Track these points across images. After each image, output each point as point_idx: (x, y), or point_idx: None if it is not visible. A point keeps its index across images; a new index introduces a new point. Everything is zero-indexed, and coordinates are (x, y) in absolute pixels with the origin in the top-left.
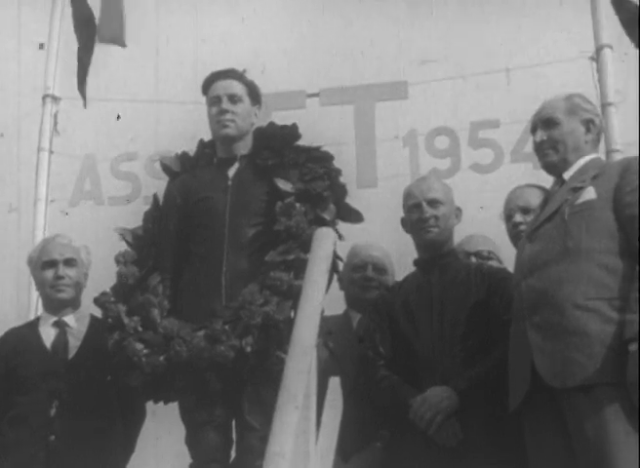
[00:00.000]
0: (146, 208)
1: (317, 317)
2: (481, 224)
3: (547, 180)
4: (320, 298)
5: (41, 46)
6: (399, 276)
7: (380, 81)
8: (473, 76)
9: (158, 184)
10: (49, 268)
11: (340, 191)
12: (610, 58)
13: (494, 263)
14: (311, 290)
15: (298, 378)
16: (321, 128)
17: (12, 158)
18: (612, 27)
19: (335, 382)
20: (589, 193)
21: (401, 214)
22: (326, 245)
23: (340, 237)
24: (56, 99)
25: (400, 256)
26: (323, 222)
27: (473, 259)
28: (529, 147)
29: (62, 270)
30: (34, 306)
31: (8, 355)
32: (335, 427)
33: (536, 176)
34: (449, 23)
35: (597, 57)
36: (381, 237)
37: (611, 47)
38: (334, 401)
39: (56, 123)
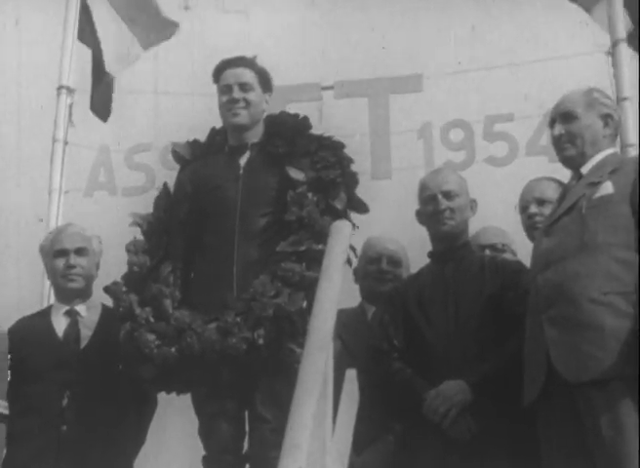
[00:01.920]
0: None
1: (334, 310)
2: (495, 217)
3: (562, 174)
4: (336, 292)
5: None
6: (412, 268)
7: (395, 74)
8: (488, 69)
9: (172, 175)
10: (60, 257)
11: (352, 180)
12: (626, 53)
13: (508, 256)
14: (328, 283)
15: (315, 371)
16: (335, 120)
17: (26, 149)
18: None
19: (352, 374)
20: (607, 188)
21: (415, 206)
22: (343, 238)
23: (354, 226)
24: (70, 91)
25: (414, 248)
26: (335, 212)
27: (487, 252)
28: (544, 141)
29: (74, 259)
30: (47, 296)
31: (20, 344)
32: (351, 419)
33: (550, 170)
34: (464, 17)
35: (613, 51)
36: (395, 229)
37: (627, 41)
38: (351, 393)
39: (70, 114)
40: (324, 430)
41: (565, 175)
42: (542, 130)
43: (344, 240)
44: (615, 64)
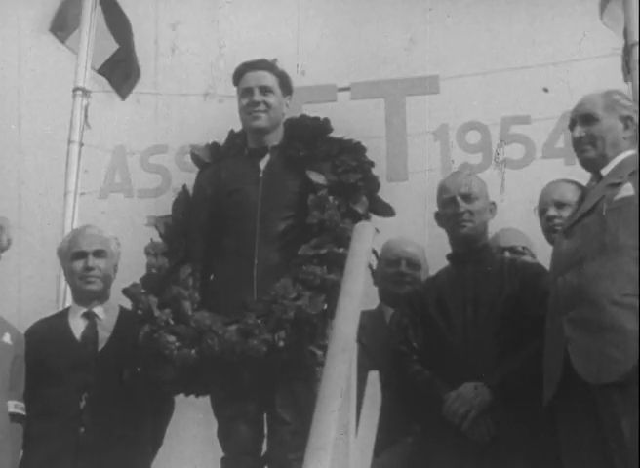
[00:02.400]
0: None
1: (357, 311)
2: (512, 219)
3: (579, 176)
4: (360, 292)
5: None
6: (431, 270)
7: (412, 75)
8: (505, 71)
9: (188, 177)
10: (78, 259)
11: (373, 184)
12: None
13: (527, 258)
14: (351, 284)
15: (338, 373)
16: (352, 122)
17: (42, 150)
18: None
19: (374, 377)
20: (627, 189)
21: (432, 208)
22: (365, 239)
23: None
24: (86, 92)
25: (430, 251)
26: (356, 215)
27: (507, 254)
28: (560, 143)
29: (92, 261)
30: (62, 298)
31: (37, 346)
32: (373, 421)
33: (567, 172)
34: (481, 18)
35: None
36: (411, 231)
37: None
38: (373, 395)
39: (86, 116)
40: (348, 432)
41: (581, 177)
42: (559, 132)
43: (367, 242)
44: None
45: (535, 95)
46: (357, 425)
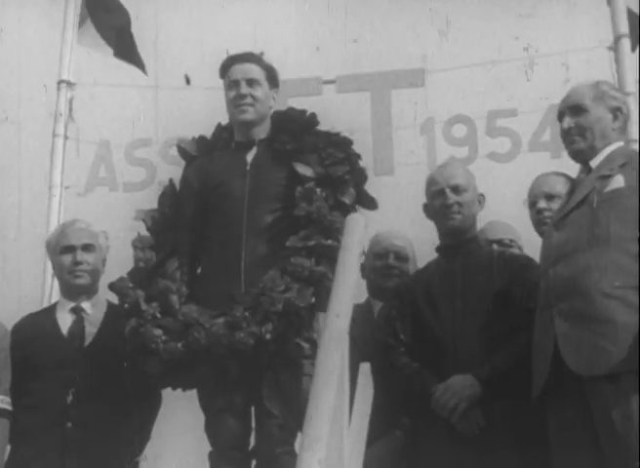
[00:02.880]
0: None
1: (350, 302)
2: (498, 213)
3: (566, 169)
4: (353, 283)
5: None
6: (419, 263)
7: (397, 68)
8: (491, 64)
9: (172, 170)
10: (67, 253)
11: (361, 176)
12: (628, 48)
13: (515, 251)
14: (344, 274)
15: (332, 365)
16: (337, 115)
17: (26, 144)
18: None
19: (366, 368)
20: (618, 181)
21: (418, 201)
22: (358, 231)
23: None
24: (71, 85)
25: (418, 243)
26: (344, 207)
27: (495, 247)
28: (546, 136)
29: (80, 256)
30: (48, 292)
31: (24, 341)
32: (366, 412)
33: (553, 166)
34: (467, 11)
35: (615, 46)
36: (397, 224)
37: (629, 37)
38: (365, 386)
39: (71, 109)
40: (341, 423)
41: (568, 169)
42: (545, 125)
43: (359, 232)
44: (617, 60)
45: (521, 88)
46: (350, 417)
